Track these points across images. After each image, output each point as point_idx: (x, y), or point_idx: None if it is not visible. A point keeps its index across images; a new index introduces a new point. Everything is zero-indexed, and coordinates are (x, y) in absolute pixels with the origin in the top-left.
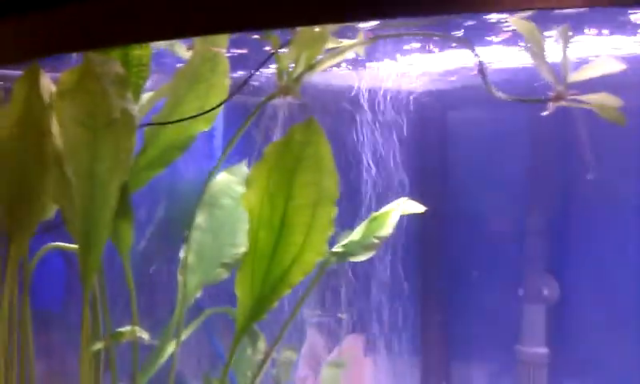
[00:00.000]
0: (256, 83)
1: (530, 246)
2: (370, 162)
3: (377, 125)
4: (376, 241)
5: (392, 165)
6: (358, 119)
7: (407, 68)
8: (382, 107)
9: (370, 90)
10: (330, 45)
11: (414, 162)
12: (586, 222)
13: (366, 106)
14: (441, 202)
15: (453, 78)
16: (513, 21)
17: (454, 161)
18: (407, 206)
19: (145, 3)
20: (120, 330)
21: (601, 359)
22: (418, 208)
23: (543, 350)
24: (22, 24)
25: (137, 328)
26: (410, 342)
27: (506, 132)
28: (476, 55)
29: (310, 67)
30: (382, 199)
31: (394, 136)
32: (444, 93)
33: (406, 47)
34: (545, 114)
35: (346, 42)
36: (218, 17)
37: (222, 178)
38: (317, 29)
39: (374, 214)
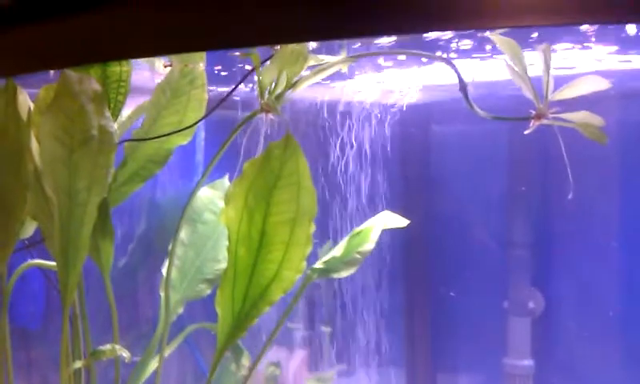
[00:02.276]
0: (237, 98)
1: (515, 259)
2: (352, 176)
3: (359, 139)
4: (358, 256)
5: (375, 179)
6: (338, 134)
7: (390, 81)
8: (364, 121)
9: (351, 104)
10: (311, 62)
11: (397, 176)
12: (571, 234)
13: (347, 120)
14: (425, 214)
15: (436, 92)
16: (494, 38)
17: (438, 175)
18: (390, 220)
19: (123, 20)
20: (100, 347)
21: (586, 371)
22: (401, 222)
23: (529, 363)
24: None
25: (117, 346)
26: (395, 354)
27: (491, 146)
28: (457, 73)
29: (292, 85)
30: (364, 213)
31: (377, 150)
32: (428, 106)
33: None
34: (526, 132)
35: (327, 58)
36: (197, 35)
37: (204, 192)
38: (296, 46)
39: (356, 229)
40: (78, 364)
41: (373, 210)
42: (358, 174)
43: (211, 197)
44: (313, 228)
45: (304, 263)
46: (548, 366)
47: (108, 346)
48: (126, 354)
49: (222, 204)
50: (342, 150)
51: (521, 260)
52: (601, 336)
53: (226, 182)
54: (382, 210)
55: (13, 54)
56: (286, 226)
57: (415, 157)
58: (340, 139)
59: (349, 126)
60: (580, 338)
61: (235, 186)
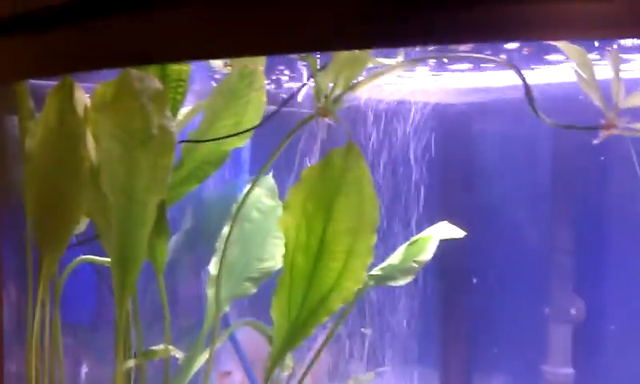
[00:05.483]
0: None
1: (558, 265)
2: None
3: (403, 140)
4: (415, 265)
5: (417, 179)
6: (386, 133)
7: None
8: (409, 121)
9: (398, 103)
10: (369, 64)
11: (439, 178)
12: (614, 241)
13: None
14: (467, 217)
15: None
16: (561, 45)
17: (482, 177)
18: (447, 231)
19: (184, 21)
20: (152, 348)
21: (627, 380)
22: (458, 233)
23: (569, 371)
24: (58, 37)
25: (170, 346)
26: (432, 358)
27: (534, 149)
28: (522, 78)
29: (349, 88)
30: (405, 217)
31: (420, 152)
32: (473, 107)
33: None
34: (596, 142)
35: (384, 60)
36: (256, 38)
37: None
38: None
39: (414, 237)
40: (131, 363)
41: (415, 213)
42: (402, 176)
43: (257, 194)
44: (375, 238)
45: (365, 273)
46: (588, 374)
47: (161, 346)
48: (179, 354)
49: (267, 202)
50: (387, 151)
51: (563, 266)
52: None
53: (269, 179)
54: (422, 212)
55: (72, 50)
56: (347, 235)
57: (458, 158)
58: (385, 140)
59: (395, 125)
60: (622, 346)
61: (293, 192)
